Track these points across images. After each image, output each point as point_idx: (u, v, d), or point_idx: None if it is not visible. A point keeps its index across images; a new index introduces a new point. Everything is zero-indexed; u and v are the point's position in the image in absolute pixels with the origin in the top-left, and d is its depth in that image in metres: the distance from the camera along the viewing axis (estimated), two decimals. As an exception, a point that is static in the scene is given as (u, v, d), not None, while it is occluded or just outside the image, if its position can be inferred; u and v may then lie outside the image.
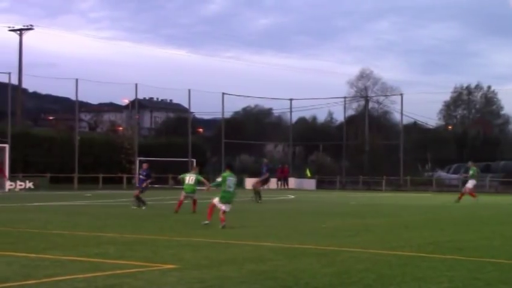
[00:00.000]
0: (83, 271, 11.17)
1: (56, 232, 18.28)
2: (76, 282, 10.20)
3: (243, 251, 14.16)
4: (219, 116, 72.36)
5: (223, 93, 69.26)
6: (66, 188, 53.68)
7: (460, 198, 37.68)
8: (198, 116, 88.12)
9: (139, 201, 29.66)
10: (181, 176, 27.99)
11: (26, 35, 74.38)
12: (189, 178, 27.05)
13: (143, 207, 29.08)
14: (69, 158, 59.37)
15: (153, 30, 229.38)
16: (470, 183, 38.65)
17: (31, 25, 75.54)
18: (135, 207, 29.27)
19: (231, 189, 20.00)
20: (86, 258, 12.73)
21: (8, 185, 50.03)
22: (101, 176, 57.62)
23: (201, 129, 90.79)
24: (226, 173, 20.30)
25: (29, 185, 52.76)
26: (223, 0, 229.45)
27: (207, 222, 19.94)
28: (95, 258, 12.73)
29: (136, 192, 30.57)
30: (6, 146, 51.14)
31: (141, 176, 31.01)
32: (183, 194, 27.26)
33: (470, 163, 40.24)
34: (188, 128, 68.10)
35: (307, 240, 16.27)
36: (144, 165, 31.34)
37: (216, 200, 20.07)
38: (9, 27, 75.68)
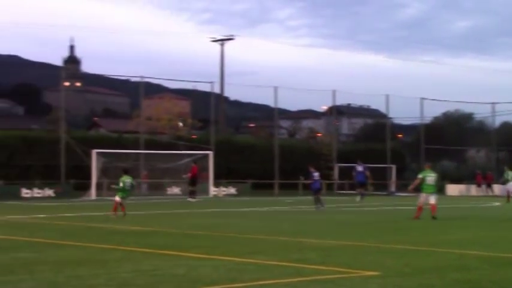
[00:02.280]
0: (286, 276, 11.34)
1: (258, 237, 18.70)
2: (279, 286, 10.37)
3: (447, 259, 13.81)
4: (418, 121, 71.27)
5: (421, 98, 68.15)
6: (266, 193, 54.80)
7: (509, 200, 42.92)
8: (396, 121, 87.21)
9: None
10: (422, 175, 26.38)
11: (227, 45, 76.84)
12: (430, 178, 26.16)
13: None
14: (269, 165, 60.63)
15: (350, 36, 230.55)
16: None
17: (232, 35, 77.94)
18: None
19: (128, 188, 27.23)
20: (288, 263, 12.90)
21: (212, 190, 51.89)
22: (301, 182, 58.24)
23: (400, 135, 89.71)
24: (123, 177, 27.35)
25: (232, 190, 54.47)
26: (420, 4, 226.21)
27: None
28: (296, 263, 12.88)
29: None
30: (211, 152, 53.08)
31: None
32: (423, 196, 26.13)
33: (505, 167, 45.95)
34: (387, 133, 67.58)
35: (514, 249, 15.61)
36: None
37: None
38: (211, 38, 78.55)
